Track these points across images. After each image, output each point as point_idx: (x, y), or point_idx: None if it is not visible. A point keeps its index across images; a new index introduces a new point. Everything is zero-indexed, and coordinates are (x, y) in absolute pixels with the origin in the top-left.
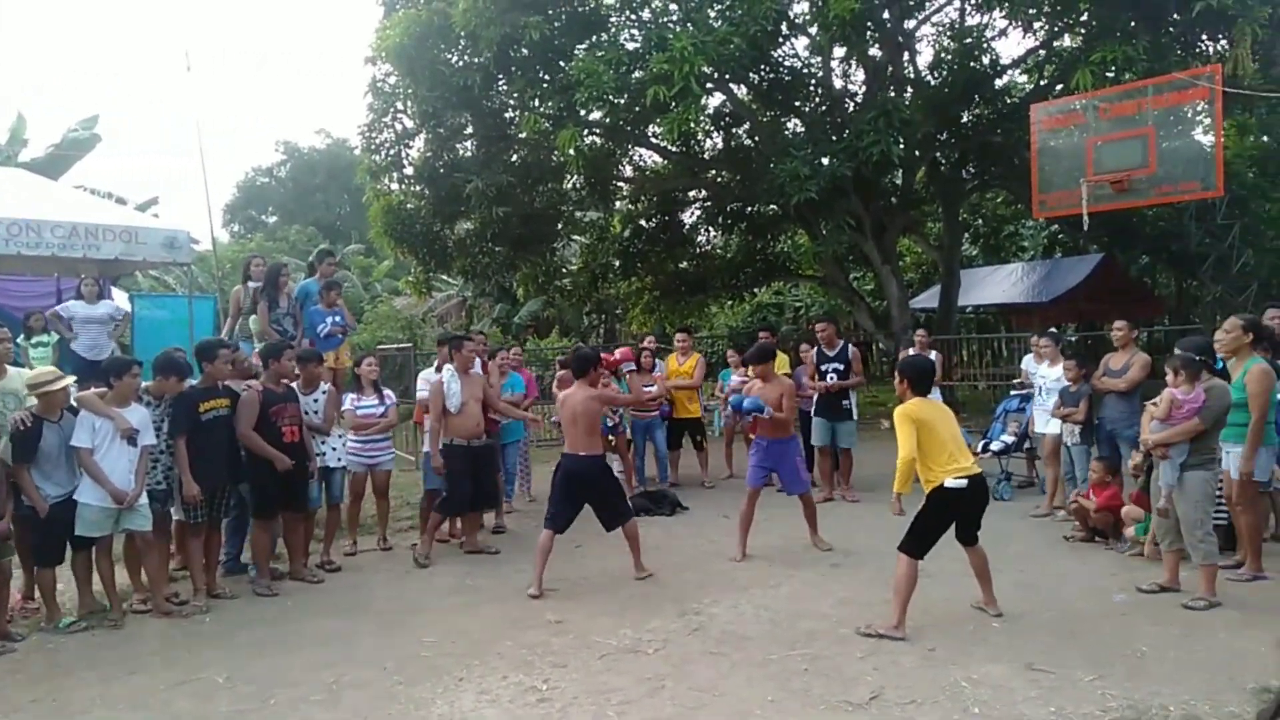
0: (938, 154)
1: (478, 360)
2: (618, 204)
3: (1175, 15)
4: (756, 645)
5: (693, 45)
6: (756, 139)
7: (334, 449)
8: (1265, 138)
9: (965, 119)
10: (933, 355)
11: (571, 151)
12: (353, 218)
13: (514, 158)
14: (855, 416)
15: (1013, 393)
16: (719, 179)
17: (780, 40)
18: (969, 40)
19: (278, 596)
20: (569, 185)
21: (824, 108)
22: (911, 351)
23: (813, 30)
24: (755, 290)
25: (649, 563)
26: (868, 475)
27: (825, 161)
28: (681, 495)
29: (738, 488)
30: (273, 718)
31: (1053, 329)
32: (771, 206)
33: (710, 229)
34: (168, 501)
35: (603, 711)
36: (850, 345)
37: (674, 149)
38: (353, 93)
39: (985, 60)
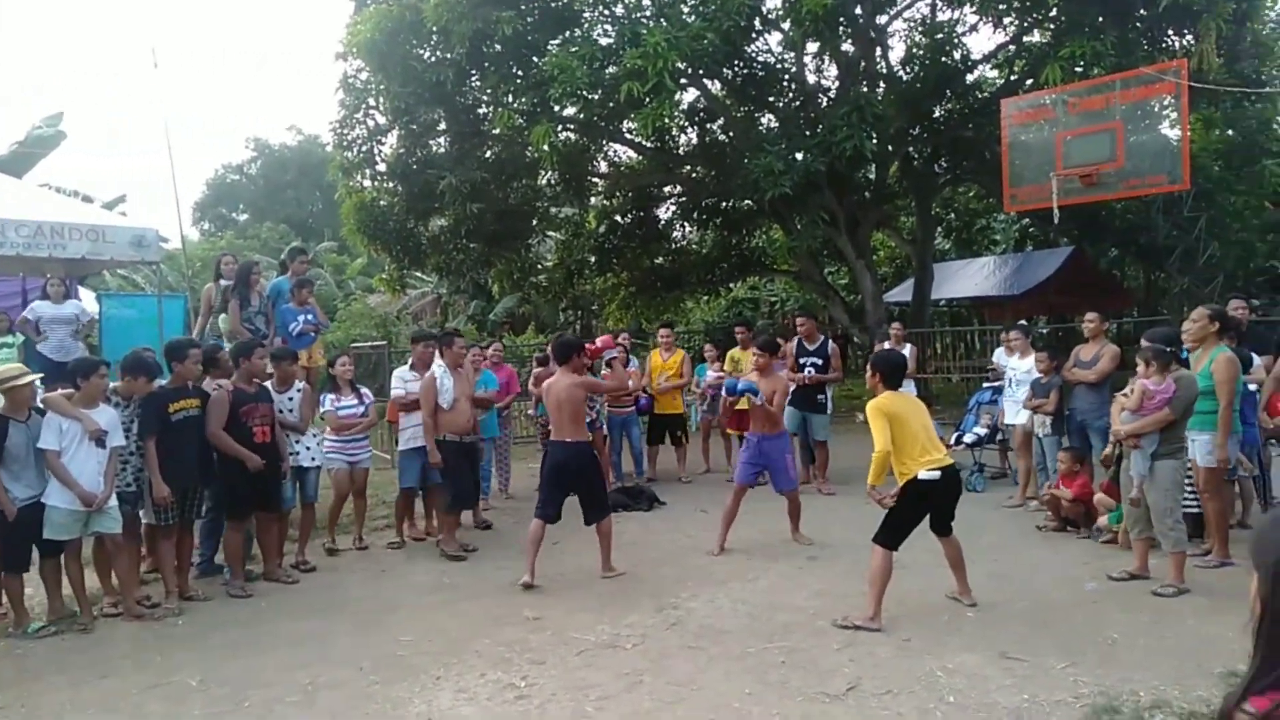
0: (910, 149)
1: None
2: (593, 200)
3: (1142, 11)
4: (734, 639)
5: (666, 41)
6: (731, 134)
7: (308, 448)
8: (1230, 132)
9: (937, 114)
10: (908, 348)
11: (545, 147)
12: (325, 215)
13: (488, 154)
14: (830, 410)
15: (985, 385)
16: (694, 174)
17: (753, 35)
18: (940, 35)
19: (252, 597)
20: (543, 181)
21: (797, 103)
22: (887, 345)
23: (786, 25)
24: (731, 285)
25: (626, 557)
26: (843, 468)
27: (799, 157)
28: (658, 490)
29: (714, 482)
30: None
31: (1023, 321)
32: (746, 202)
33: (685, 224)
34: (138, 504)
35: (581, 707)
36: (830, 341)
37: (648, 145)
38: (324, 89)
39: (956, 55)
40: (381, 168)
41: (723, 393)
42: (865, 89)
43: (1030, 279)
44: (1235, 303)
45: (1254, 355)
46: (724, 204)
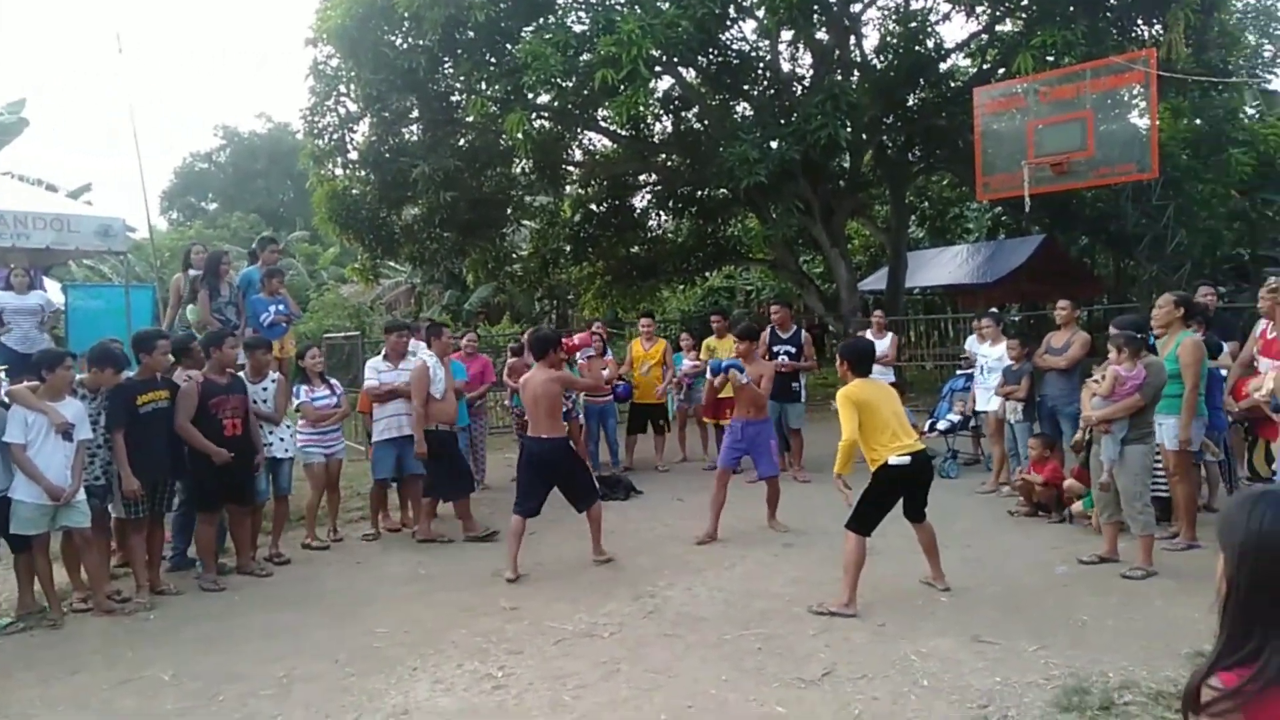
0: (884, 137)
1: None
2: (567, 188)
3: (1112, 0)
4: (711, 626)
5: (640, 28)
6: (705, 123)
7: (281, 439)
8: (1198, 121)
9: (911, 102)
10: (888, 337)
11: (520, 135)
12: (296, 204)
13: (461, 142)
14: (804, 399)
15: (959, 372)
16: (669, 163)
17: (728, 24)
18: (914, 24)
19: (224, 591)
20: (518, 170)
21: (772, 92)
22: (869, 333)
23: (760, 13)
24: (706, 274)
25: (604, 546)
26: (819, 455)
27: (774, 145)
28: (635, 479)
29: (691, 471)
30: (220, 714)
31: (994, 309)
32: (721, 190)
33: (661, 213)
34: (106, 497)
35: (558, 696)
36: (803, 330)
37: (623, 133)
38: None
39: (930, 44)
40: (353, 156)
41: (707, 375)
42: (839, 77)
43: (1003, 267)
44: (1203, 290)
45: (1222, 342)
46: (699, 192)
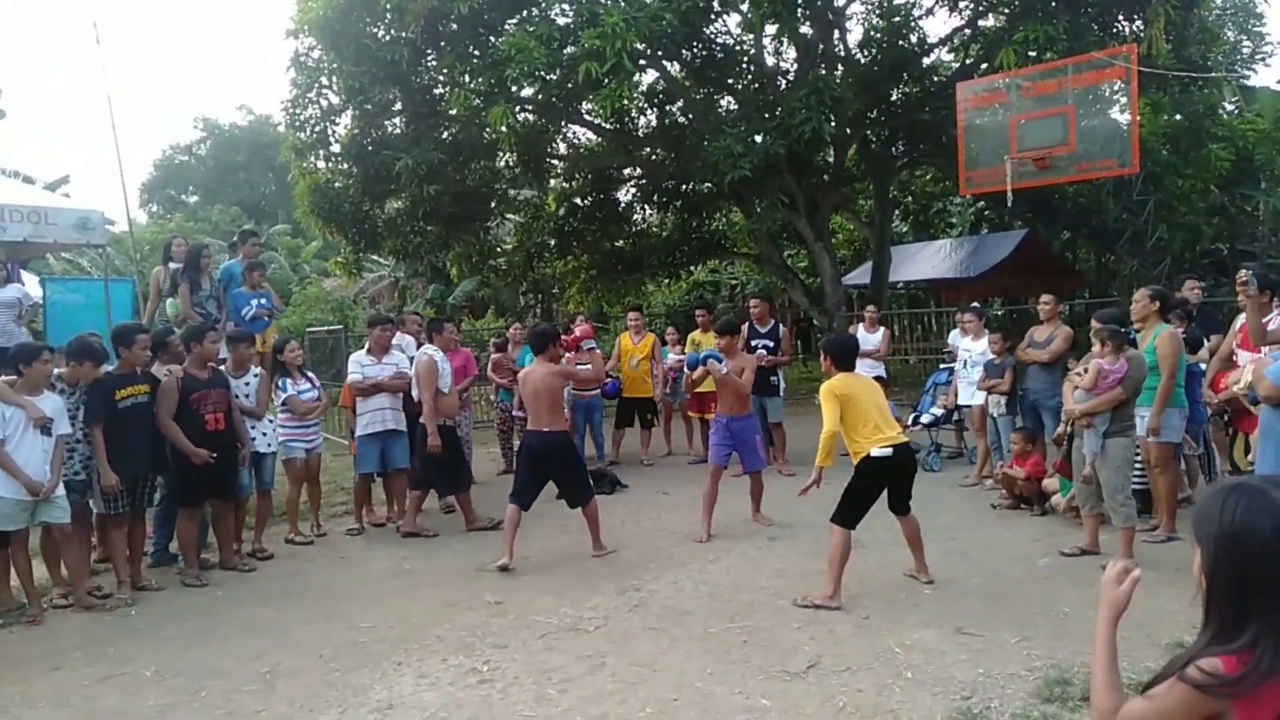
0: (868, 131)
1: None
2: (552, 182)
3: None
4: (696, 619)
5: (624, 21)
6: (690, 116)
7: (264, 434)
8: (1178, 116)
9: (894, 97)
10: (880, 331)
11: (503, 128)
12: (278, 197)
13: (444, 135)
14: (782, 392)
15: (942, 366)
16: (653, 157)
17: (712, 17)
18: (897, 19)
19: (207, 586)
20: (502, 163)
21: (756, 85)
22: (861, 327)
23: (744, 7)
24: (691, 268)
25: (588, 540)
26: (802, 449)
27: (758, 139)
28: (620, 473)
29: (676, 465)
30: (203, 710)
31: (975, 304)
32: (706, 184)
33: (646, 207)
34: (86, 492)
35: (544, 691)
36: (780, 324)
37: (608, 126)
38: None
39: (913, 39)
40: (335, 149)
41: (685, 369)
42: (823, 72)
43: (985, 261)
44: (1189, 283)
45: (1203, 337)
46: (684, 186)
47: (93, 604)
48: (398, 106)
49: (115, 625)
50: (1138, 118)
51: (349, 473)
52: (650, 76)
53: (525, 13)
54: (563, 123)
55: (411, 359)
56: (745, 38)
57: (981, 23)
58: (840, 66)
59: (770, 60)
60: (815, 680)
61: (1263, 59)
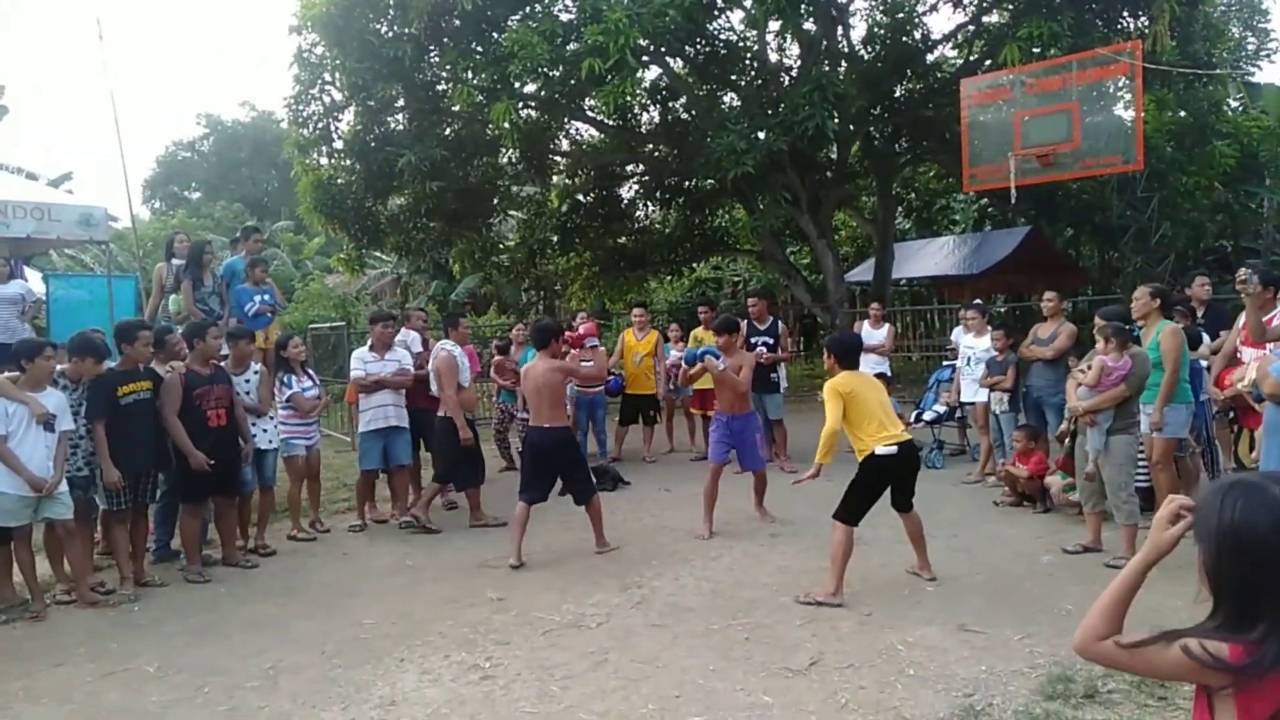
0: (871, 128)
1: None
2: (554, 179)
3: None
4: (698, 616)
5: (628, 17)
6: (693, 113)
7: (265, 430)
8: (1182, 113)
9: (898, 93)
10: (885, 328)
11: (506, 125)
12: (281, 193)
13: (447, 131)
14: (782, 389)
15: (945, 363)
16: (656, 153)
17: (716, 13)
18: (901, 15)
19: (210, 583)
20: (504, 159)
21: (759, 82)
22: (867, 325)
23: (748, 3)
24: (694, 265)
25: (591, 537)
26: (805, 445)
27: (761, 136)
28: (623, 470)
29: (678, 462)
30: (206, 706)
31: (978, 300)
32: (709, 181)
33: (648, 204)
34: (89, 488)
35: (546, 687)
36: (779, 321)
37: (610, 123)
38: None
39: (917, 35)
40: (338, 145)
41: (683, 365)
42: (827, 68)
43: (989, 258)
44: (1200, 280)
45: (1202, 334)
46: (687, 183)
47: (96, 600)
48: (400, 103)
49: (118, 621)
50: (1142, 114)
51: (351, 469)
52: (653, 73)
53: (528, 9)
54: (565, 119)
55: (416, 355)
56: (748, 34)
57: (985, 19)
58: (844, 63)
59: (773, 56)
60: (818, 677)
61: (1268, 55)
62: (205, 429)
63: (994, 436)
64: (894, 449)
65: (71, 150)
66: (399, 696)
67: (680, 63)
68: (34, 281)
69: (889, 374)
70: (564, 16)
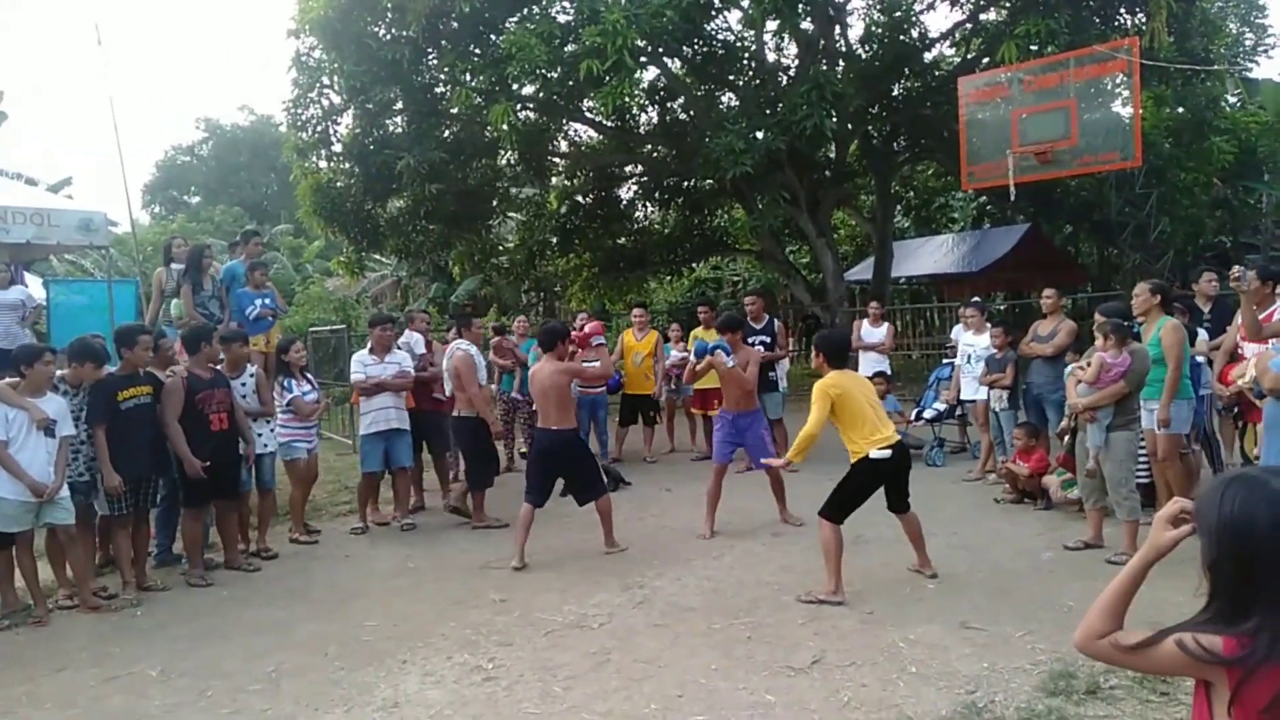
0: (869, 127)
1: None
2: (553, 180)
3: None
4: (700, 616)
5: (625, 18)
6: (691, 113)
7: (260, 434)
8: (1180, 109)
9: (896, 92)
10: (884, 326)
11: (505, 127)
12: (280, 197)
13: (446, 134)
14: (782, 389)
15: (944, 361)
16: (655, 154)
17: (713, 13)
18: (898, 14)
19: (212, 587)
20: (503, 161)
21: (757, 82)
22: (865, 324)
23: (745, 3)
24: (693, 265)
25: (593, 537)
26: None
27: (759, 135)
28: (624, 470)
29: (679, 462)
30: (209, 710)
31: (977, 298)
32: (707, 181)
33: (647, 204)
34: (90, 494)
35: (549, 687)
36: (776, 320)
37: (609, 124)
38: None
39: (914, 34)
40: (337, 148)
41: (690, 356)
42: (825, 67)
43: (988, 256)
44: (1206, 275)
45: (1199, 330)
46: (685, 183)
47: (98, 605)
48: (399, 106)
49: (120, 626)
50: (1140, 111)
51: (352, 472)
52: (651, 73)
53: (526, 10)
54: (564, 121)
55: (419, 357)
56: (746, 34)
57: (983, 17)
58: (841, 62)
59: (771, 56)
60: (820, 675)
61: (1265, 51)
62: (208, 433)
63: (994, 434)
64: (888, 453)
65: (70, 154)
66: (402, 698)
67: (678, 63)
68: (34, 287)
69: (889, 372)
70: (562, 18)
